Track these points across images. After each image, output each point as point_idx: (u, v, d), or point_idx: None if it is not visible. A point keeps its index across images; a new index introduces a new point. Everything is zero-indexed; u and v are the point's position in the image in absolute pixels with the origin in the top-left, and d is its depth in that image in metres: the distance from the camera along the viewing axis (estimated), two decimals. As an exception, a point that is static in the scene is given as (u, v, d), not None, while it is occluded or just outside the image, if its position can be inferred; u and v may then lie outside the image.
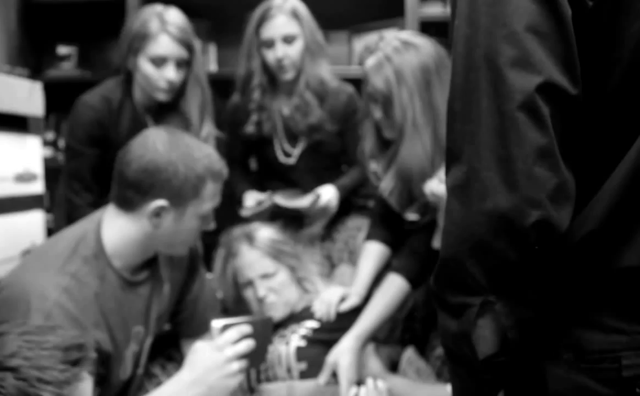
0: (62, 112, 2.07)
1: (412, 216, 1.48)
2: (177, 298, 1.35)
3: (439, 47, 1.41)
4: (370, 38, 1.50)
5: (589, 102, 0.61)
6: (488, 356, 0.60)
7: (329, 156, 1.79)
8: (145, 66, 1.58)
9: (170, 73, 1.57)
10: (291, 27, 1.69)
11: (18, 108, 1.50)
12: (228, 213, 1.68)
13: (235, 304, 1.54)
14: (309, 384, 1.38)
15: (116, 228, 1.16)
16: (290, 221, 1.72)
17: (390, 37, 1.40)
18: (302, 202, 1.66)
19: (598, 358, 0.61)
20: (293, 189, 1.74)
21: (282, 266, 1.52)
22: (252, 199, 1.71)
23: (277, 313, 1.48)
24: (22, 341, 0.72)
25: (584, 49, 0.60)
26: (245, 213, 1.69)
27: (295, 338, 1.44)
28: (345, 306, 1.48)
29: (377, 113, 1.39)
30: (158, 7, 1.61)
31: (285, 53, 1.68)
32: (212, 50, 2.28)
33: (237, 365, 1.18)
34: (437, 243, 1.38)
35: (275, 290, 1.49)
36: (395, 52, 1.35)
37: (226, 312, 1.52)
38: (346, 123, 1.76)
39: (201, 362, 1.16)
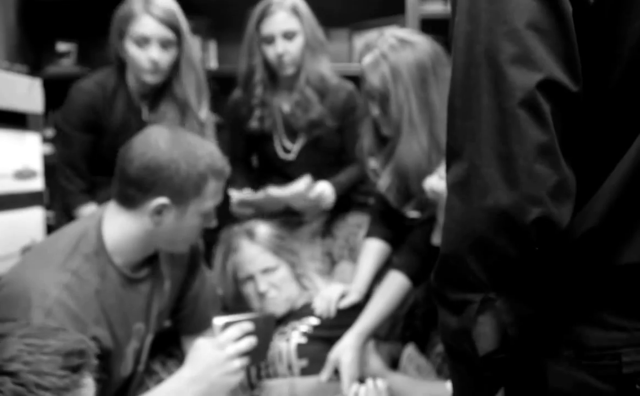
0: (62, 109, 2.07)
1: (412, 213, 1.48)
2: (177, 294, 1.35)
3: (435, 44, 1.41)
4: (370, 35, 1.50)
5: (590, 99, 0.61)
6: (488, 353, 0.61)
7: (328, 152, 1.79)
8: (130, 48, 1.58)
9: (154, 53, 1.56)
10: (291, 24, 1.69)
11: (17, 105, 1.49)
12: (229, 211, 1.68)
13: (235, 301, 1.54)
14: (310, 381, 1.38)
15: (117, 225, 1.16)
16: (288, 217, 1.72)
17: (387, 35, 1.40)
18: (296, 187, 1.64)
19: (598, 355, 0.61)
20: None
21: (282, 261, 1.52)
22: (242, 194, 1.68)
23: (278, 309, 1.48)
24: (22, 344, 0.71)
25: (584, 46, 0.60)
26: (236, 205, 1.65)
27: (295, 335, 1.44)
28: (345, 303, 1.49)
29: (375, 110, 1.40)
30: None
31: (286, 49, 1.68)
32: (212, 47, 2.27)
33: (238, 363, 1.18)
34: (436, 239, 1.39)
35: (276, 285, 1.49)
36: (392, 50, 1.36)
37: (226, 310, 1.52)
38: (345, 120, 1.76)
39: (202, 359, 1.16)
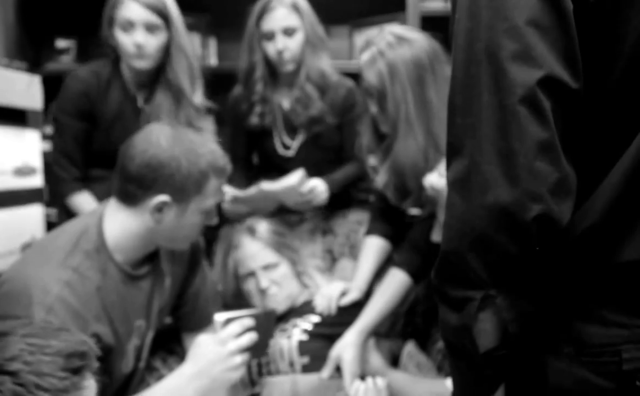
0: (62, 106, 2.06)
1: (413, 210, 1.48)
2: (178, 291, 1.35)
3: (433, 41, 1.41)
4: (371, 33, 1.50)
5: (590, 96, 0.61)
6: (489, 350, 0.61)
7: (328, 149, 1.79)
8: (118, 34, 1.58)
9: (138, 37, 1.56)
10: (291, 20, 1.69)
11: (17, 102, 1.49)
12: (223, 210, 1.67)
13: (235, 298, 1.54)
14: (312, 378, 1.38)
15: (118, 222, 1.16)
16: (287, 215, 1.71)
17: (385, 32, 1.40)
18: (289, 181, 1.64)
19: (599, 352, 0.62)
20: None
21: (283, 258, 1.52)
22: (234, 190, 1.66)
23: (279, 306, 1.48)
24: (24, 344, 0.71)
25: (585, 43, 0.60)
26: (228, 202, 1.63)
27: (297, 332, 1.44)
28: (346, 300, 1.49)
29: (373, 108, 1.40)
30: None
31: (285, 45, 1.68)
32: (212, 44, 2.27)
33: (239, 358, 1.19)
34: (436, 236, 1.39)
35: (277, 282, 1.50)
36: (389, 47, 1.36)
37: (226, 307, 1.53)
38: (344, 117, 1.76)
39: (204, 355, 1.17)
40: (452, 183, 0.62)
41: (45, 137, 2.15)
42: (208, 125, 1.86)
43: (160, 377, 1.28)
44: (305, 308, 1.51)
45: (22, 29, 2.18)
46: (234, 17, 1.90)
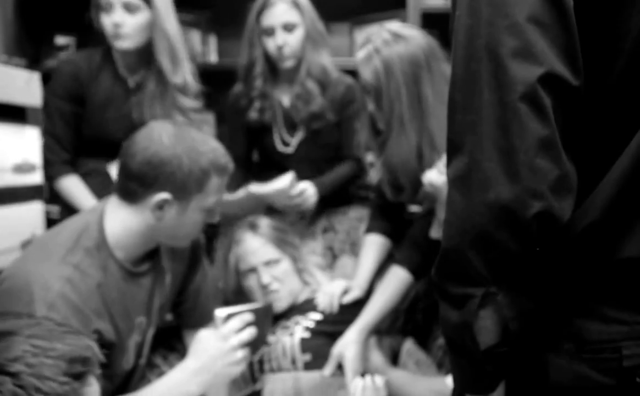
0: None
1: (412, 207, 1.49)
2: (179, 288, 1.36)
3: (430, 39, 1.41)
4: (371, 30, 1.50)
5: (591, 93, 0.61)
6: (489, 347, 0.61)
7: (327, 146, 1.79)
8: (101, 17, 1.59)
9: (116, 16, 1.56)
10: (291, 16, 1.69)
11: (16, 99, 1.49)
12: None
13: (235, 295, 1.54)
14: (314, 375, 1.38)
15: (119, 220, 1.16)
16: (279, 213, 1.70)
17: (382, 30, 1.40)
18: (279, 184, 1.63)
19: (599, 348, 0.62)
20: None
21: (285, 255, 1.52)
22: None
23: (282, 303, 1.49)
24: (28, 345, 0.71)
25: (585, 40, 0.60)
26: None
27: (299, 330, 1.45)
28: (348, 298, 1.49)
29: (370, 105, 1.40)
30: None
31: (285, 41, 1.68)
32: (213, 41, 2.26)
33: (241, 353, 1.21)
34: (434, 233, 1.39)
35: (278, 278, 1.50)
36: (385, 45, 1.36)
37: (226, 303, 1.53)
38: (342, 113, 1.76)
39: (206, 351, 1.18)
40: (452, 180, 0.62)
41: (45, 134, 2.14)
42: (206, 116, 1.85)
43: (160, 374, 1.29)
44: (307, 306, 1.51)
45: (21, 26, 2.17)
46: (234, 14, 1.90)
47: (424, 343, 1.50)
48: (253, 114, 1.75)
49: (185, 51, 1.67)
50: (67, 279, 1.08)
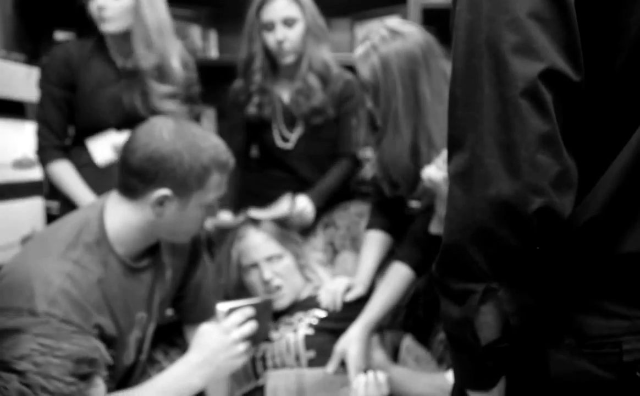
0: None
1: (413, 203, 1.49)
2: (179, 283, 1.36)
3: (428, 35, 1.40)
4: (371, 26, 1.49)
5: (592, 89, 0.61)
6: (490, 342, 0.61)
7: (327, 142, 1.78)
8: (89, 5, 1.60)
9: (100, 0, 1.57)
10: (291, 10, 1.68)
11: (15, 94, 1.49)
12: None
13: (236, 290, 1.55)
14: (317, 372, 1.39)
15: (119, 215, 1.16)
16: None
17: (380, 26, 1.40)
18: (279, 209, 1.62)
19: (599, 343, 0.62)
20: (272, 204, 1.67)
21: (287, 251, 1.52)
22: (219, 220, 1.63)
23: (284, 299, 1.49)
24: (36, 343, 0.71)
25: (586, 35, 0.60)
26: (215, 222, 1.60)
27: (303, 326, 1.45)
28: (351, 296, 1.49)
29: (368, 102, 1.40)
30: None
31: (285, 36, 1.68)
32: (213, 36, 2.26)
33: (242, 346, 1.22)
34: (434, 228, 1.39)
35: (280, 274, 1.50)
36: (382, 42, 1.35)
37: (227, 298, 1.53)
38: (341, 108, 1.75)
39: (208, 344, 1.20)
40: (453, 176, 0.62)
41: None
42: (206, 111, 1.84)
43: (161, 369, 1.29)
44: (310, 303, 1.51)
45: (20, 21, 2.17)
46: (234, 9, 1.89)
47: (424, 338, 1.50)
48: (252, 109, 1.75)
49: (175, 39, 1.66)
50: (67, 275, 1.08)
